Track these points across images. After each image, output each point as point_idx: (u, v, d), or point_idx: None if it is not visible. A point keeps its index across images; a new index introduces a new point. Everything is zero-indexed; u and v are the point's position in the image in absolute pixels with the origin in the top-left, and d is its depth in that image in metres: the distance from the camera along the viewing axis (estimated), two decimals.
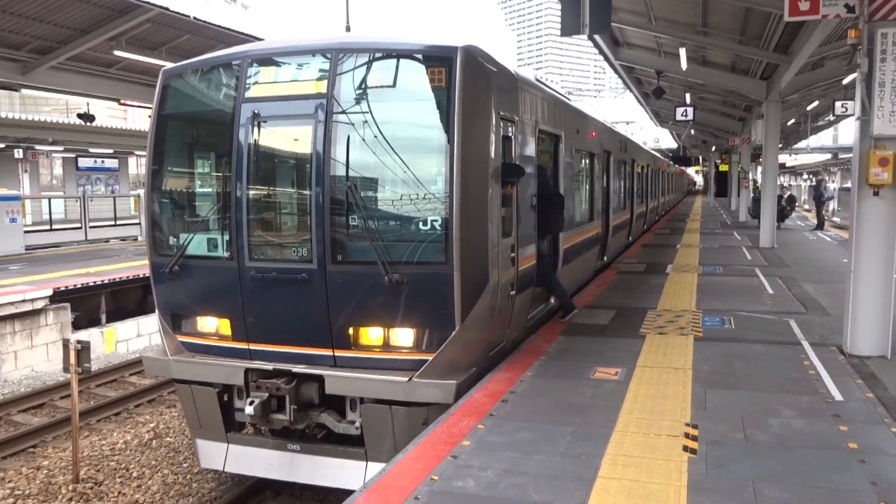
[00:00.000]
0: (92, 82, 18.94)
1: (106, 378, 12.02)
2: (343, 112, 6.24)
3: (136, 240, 25.50)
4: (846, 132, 53.36)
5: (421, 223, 6.14)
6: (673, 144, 58.22)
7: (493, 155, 6.51)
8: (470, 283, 6.16)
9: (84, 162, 34.40)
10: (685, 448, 5.13)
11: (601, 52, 20.28)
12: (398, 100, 6.37)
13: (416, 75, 6.36)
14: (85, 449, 8.96)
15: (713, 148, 50.70)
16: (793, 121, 33.66)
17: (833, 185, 36.38)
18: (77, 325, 13.50)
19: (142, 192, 21.98)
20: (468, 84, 6.09)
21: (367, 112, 6.18)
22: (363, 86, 6.26)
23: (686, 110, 23.54)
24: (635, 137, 33.34)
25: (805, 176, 55.89)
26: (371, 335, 6.38)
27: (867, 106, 7.46)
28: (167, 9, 14.33)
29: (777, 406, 6.05)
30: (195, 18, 15.13)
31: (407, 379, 6.06)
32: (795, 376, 6.96)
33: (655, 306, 10.60)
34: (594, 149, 12.57)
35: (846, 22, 8.80)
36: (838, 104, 22.55)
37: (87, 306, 14.18)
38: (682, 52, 17.79)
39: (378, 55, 6.35)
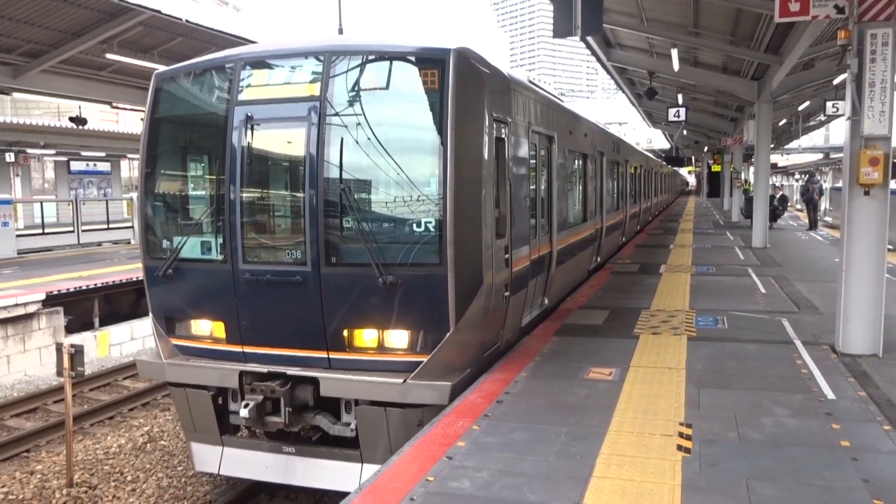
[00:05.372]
0: (84, 85, 18.87)
1: (99, 382, 11.98)
2: (336, 114, 6.25)
3: (129, 243, 25.43)
4: (837, 132, 53.64)
5: (415, 225, 6.15)
6: (665, 145, 58.43)
7: (486, 156, 6.52)
8: (464, 285, 6.18)
9: (76, 165, 34.27)
10: (679, 447, 5.16)
11: (593, 53, 20.35)
12: (391, 102, 6.38)
13: (409, 77, 6.37)
14: (79, 453, 8.93)
15: (705, 148, 50.89)
16: (784, 121, 33.83)
17: (826, 183, 36.45)
18: (70, 329, 13.45)
19: (134, 195, 21.93)
20: (461, 86, 6.10)
21: (360, 114, 6.20)
22: (356, 88, 6.27)
23: (678, 111, 23.64)
24: (628, 138, 33.44)
25: (797, 175, 56.15)
26: (366, 337, 6.39)
27: (857, 106, 7.52)
28: (159, 12, 14.28)
29: (770, 405, 6.09)
30: (187, 21, 15.08)
31: (402, 380, 6.07)
32: (788, 375, 7.00)
33: (649, 306, 10.64)
34: (587, 150, 12.61)
35: (836, 23, 8.87)
36: (829, 104, 22.69)
37: (80, 310, 14.13)
38: (674, 52, 17.87)
39: (371, 57, 6.36)
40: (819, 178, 31.62)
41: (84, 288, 14.09)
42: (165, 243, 6.98)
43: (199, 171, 7.21)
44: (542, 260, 8.96)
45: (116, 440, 9.47)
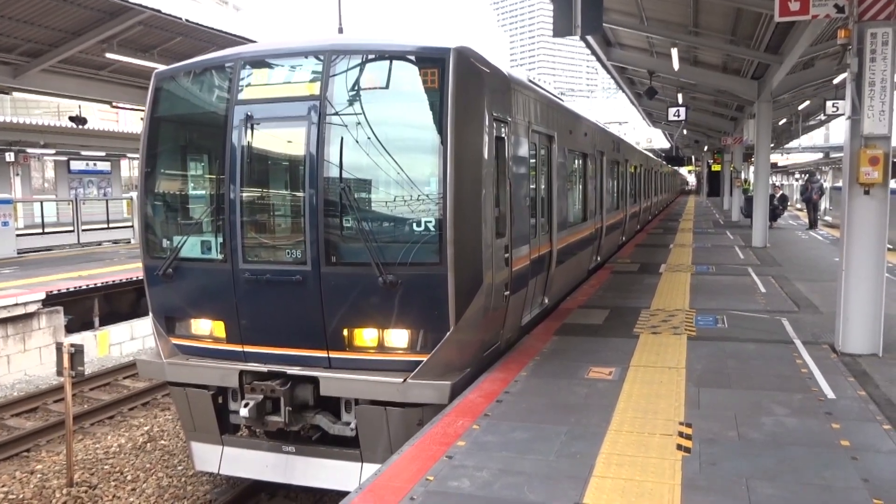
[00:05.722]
0: (84, 85, 18.87)
1: (99, 381, 11.98)
2: (336, 114, 6.25)
3: (129, 243, 25.43)
4: (837, 131, 53.58)
5: (415, 224, 6.15)
6: (665, 144, 58.42)
7: (486, 156, 6.52)
8: (464, 284, 6.18)
9: (76, 165, 34.24)
10: (679, 446, 5.16)
11: (593, 52, 20.34)
12: (391, 101, 6.38)
13: (408, 77, 6.37)
14: (79, 453, 8.93)
15: (705, 148, 50.89)
16: (784, 120, 33.80)
17: (826, 183, 36.45)
18: (70, 329, 13.45)
19: (134, 194, 21.91)
20: (461, 85, 6.10)
21: (360, 114, 6.19)
22: (356, 87, 6.27)
23: (678, 110, 23.63)
24: (628, 138, 33.44)
25: (797, 175, 56.13)
26: (366, 336, 6.39)
27: (857, 105, 7.51)
28: (159, 11, 14.28)
29: (770, 404, 6.09)
30: (187, 21, 15.08)
31: (402, 380, 6.07)
32: (788, 374, 7.00)
33: (649, 306, 10.64)
34: (587, 149, 12.61)
35: (836, 22, 8.86)
36: (829, 104, 22.67)
37: (80, 309, 14.13)
38: (674, 52, 17.86)
39: (371, 57, 6.35)
40: (819, 177, 31.54)
41: (84, 287, 14.09)
42: (165, 243, 6.99)
43: (198, 170, 7.21)
44: (542, 259, 8.97)
45: (116, 440, 9.47)
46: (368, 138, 6.16)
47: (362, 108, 6.20)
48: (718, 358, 7.61)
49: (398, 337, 6.34)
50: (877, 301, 7.74)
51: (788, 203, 32.64)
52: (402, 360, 6.28)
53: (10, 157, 28.23)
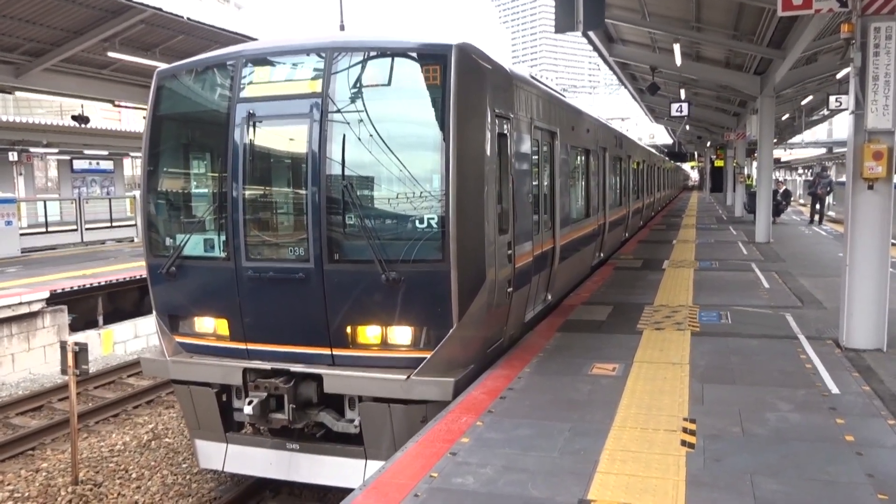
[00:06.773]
0: (86, 84, 18.91)
1: (104, 380, 12.01)
2: (338, 111, 6.24)
3: (133, 241, 25.48)
4: (840, 126, 53.45)
5: (417, 221, 6.14)
6: (668, 140, 58.31)
7: (488, 152, 6.52)
8: (467, 281, 6.17)
9: (79, 164, 34.33)
10: (683, 442, 5.16)
11: (595, 48, 20.31)
12: (393, 98, 6.37)
13: (410, 73, 6.36)
14: (84, 451, 8.95)
15: (708, 143, 50.79)
16: (787, 115, 33.75)
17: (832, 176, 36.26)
18: (74, 327, 13.49)
19: (137, 193, 21.95)
20: (463, 82, 6.09)
21: (362, 111, 6.19)
22: (358, 84, 6.26)
23: (681, 106, 23.59)
24: (630, 134, 33.37)
25: (800, 171, 55.95)
26: (369, 333, 6.39)
27: (861, 100, 7.49)
28: (161, 10, 14.30)
29: (774, 400, 6.08)
30: (189, 19, 15.11)
31: (405, 377, 6.07)
32: (792, 370, 6.99)
33: (652, 302, 10.63)
34: (589, 145, 12.60)
35: (839, 16, 8.85)
36: (832, 98, 22.62)
37: (84, 308, 14.16)
38: (676, 47, 17.81)
39: (372, 54, 6.35)
40: (829, 173, 31.23)
41: (88, 286, 14.12)
42: (168, 241, 6.99)
43: (201, 168, 7.21)
44: (545, 256, 8.96)
45: (121, 438, 9.49)
46: (371, 135, 6.16)
47: (364, 105, 6.20)
48: (722, 354, 7.60)
49: (401, 334, 6.35)
50: (881, 296, 7.72)
51: (792, 198, 32.54)
52: (406, 357, 6.28)
53: (13, 156, 28.31)
